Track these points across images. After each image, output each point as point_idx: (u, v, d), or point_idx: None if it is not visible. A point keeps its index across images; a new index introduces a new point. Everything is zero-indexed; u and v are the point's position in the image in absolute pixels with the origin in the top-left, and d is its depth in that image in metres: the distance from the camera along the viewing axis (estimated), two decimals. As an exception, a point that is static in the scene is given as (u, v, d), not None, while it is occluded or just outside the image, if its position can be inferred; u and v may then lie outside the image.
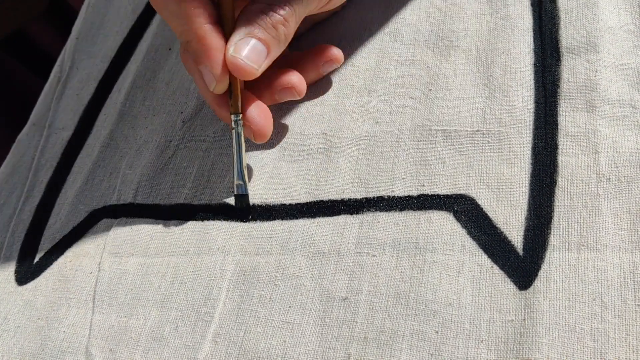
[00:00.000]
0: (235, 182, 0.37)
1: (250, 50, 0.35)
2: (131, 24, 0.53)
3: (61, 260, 0.41)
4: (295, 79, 0.39)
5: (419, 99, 0.39)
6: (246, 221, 0.37)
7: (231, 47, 0.35)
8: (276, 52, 0.37)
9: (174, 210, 0.40)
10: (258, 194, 0.38)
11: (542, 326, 0.29)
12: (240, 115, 0.37)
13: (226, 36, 0.36)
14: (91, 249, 0.41)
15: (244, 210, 0.38)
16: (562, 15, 0.38)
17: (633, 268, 0.29)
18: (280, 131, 0.41)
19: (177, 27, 0.36)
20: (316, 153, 0.39)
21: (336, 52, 0.40)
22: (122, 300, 0.37)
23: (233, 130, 0.37)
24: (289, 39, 0.37)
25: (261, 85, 0.39)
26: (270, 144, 0.40)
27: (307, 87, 0.40)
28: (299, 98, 0.40)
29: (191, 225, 0.39)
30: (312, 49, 0.41)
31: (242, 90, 0.38)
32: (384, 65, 0.41)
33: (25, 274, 0.41)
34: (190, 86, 0.46)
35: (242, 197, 0.38)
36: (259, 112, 0.38)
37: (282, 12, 0.35)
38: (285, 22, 0.36)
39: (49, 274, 0.41)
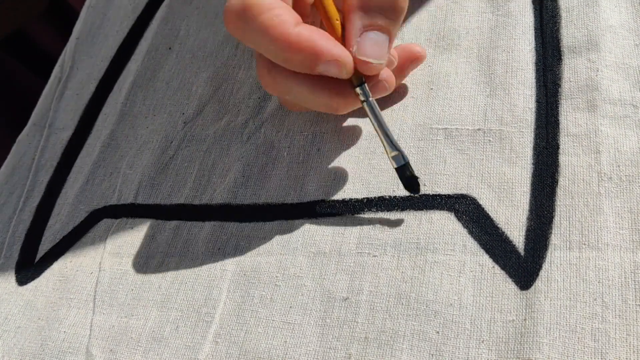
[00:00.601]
0: (390, 155, 0.33)
1: (373, 46, 0.32)
2: (131, 23, 0.53)
3: (61, 260, 0.41)
4: (385, 74, 0.35)
5: (420, 97, 0.39)
6: (416, 193, 0.34)
7: (354, 46, 0.31)
8: (395, 35, 0.33)
9: (174, 210, 0.40)
10: (258, 194, 0.38)
11: (543, 326, 0.29)
12: (365, 83, 0.33)
13: (328, 29, 0.33)
14: (92, 249, 0.41)
15: (412, 182, 0.34)
16: (563, 13, 0.38)
17: (634, 267, 0.29)
18: (280, 131, 0.41)
19: (268, 46, 0.31)
20: (317, 153, 0.39)
21: (420, 50, 0.37)
22: (122, 300, 0.37)
23: (364, 103, 0.33)
24: (404, 14, 0.33)
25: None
26: (271, 143, 0.40)
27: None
28: (389, 93, 0.36)
29: (192, 225, 0.39)
30: (395, 49, 0.37)
31: None
32: (384, 64, 0.41)
33: (26, 274, 0.41)
34: (191, 87, 0.46)
35: (404, 168, 0.33)
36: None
37: None
38: None
39: (50, 274, 0.41)
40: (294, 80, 0.33)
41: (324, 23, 0.34)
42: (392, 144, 0.33)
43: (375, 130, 0.34)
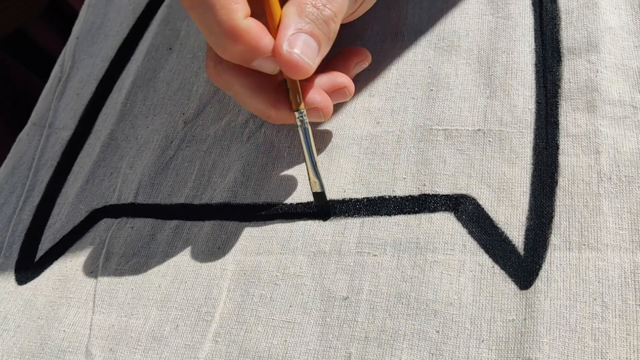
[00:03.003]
0: (312, 180, 0.35)
1: (304, 45, 0.33)
2: (131, 23, 0.53)
3: (61, 259, 0.41)
4: (344, 79, 0.37)
5: (420, 98, 0.39)
6: (326, 219, 0.36)
7: (284, 42, 0.32)
8: (325, 50, 0.34)
9: (174, 210, 0.40)
10: (259, 193, 0.38)
11: (543, 326, 0.29)
12: (304, 110, 0.35)
13: (270, 30, 0.34)
14: (91, 248, 0.41)
15: (323, 208, 0.36)
16: (563, 15, 0.38)
17: (634, 268, 0.29)
18: (280, 130, 0.41)
19: (213, 30, 0.32)
20: (317, 153, 0.39)
21: (365, 52, 0.39)
22: (122, 299, 0.37)
23: (299, 128, 0.35)
24: (334, 38, 0.35)
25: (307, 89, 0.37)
26: (271, 143, 0.40)
27: None
28: (349, 99, 0.38)
29: (192, 224, 0.39)
30: (340, 52, 0.39)
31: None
32: (385, 65, 0.41)
33: (26, 273, 0.41)
34: (192, 87, 0.46)
35: (321, 195, 0.36)
36: (318, 92, 0.36)
37: (332, 7, 0.33)
38: (334, 18, 0.34)
39: (49, 274, 0.41)
40: (237, 79, 0.35)
41: (268, 23, 0.35)
42: (315, 172, 0.35)
43: (304, 155, 0.35)
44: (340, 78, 0.37)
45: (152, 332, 0.35)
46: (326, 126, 0.40)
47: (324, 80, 0.37)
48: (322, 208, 0.36)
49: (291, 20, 0.33)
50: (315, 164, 0.35)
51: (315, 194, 0.36)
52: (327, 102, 0.36)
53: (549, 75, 0.36)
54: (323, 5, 0.33)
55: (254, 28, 0.32)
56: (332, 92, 0.37)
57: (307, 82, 0.36)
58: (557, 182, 0.33)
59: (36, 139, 0.49)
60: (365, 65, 0.40)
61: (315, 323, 0.33)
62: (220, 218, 0.38)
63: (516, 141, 0.35)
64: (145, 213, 0.41)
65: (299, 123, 0.35)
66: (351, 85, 0.38)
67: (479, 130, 0.36)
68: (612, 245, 0.30)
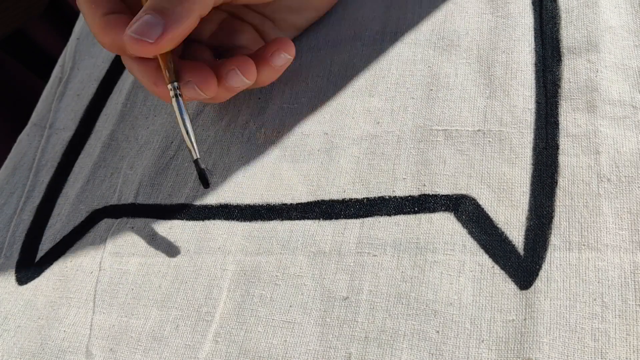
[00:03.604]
0: (189, 147, 0.36)
1: (141, 24, 0.33)
2: (132, 24, 0.53)
3: (62, 260, 0.41)
4: (199, 77, 0.37)
5: (420, 98, 0.39)
6: (207, 187, 0.37)
7: (128, 27, 0.34)
8: (179, 26, 0.33)
9: (174, 210, 0.40)
10: (259, 194, 0.38)
11: (543, 326, 0.29)
12: (177, 83, 0.36)
13: None
14: (92, 248, 0.41)
15: (203, 177, 0.37)
16: (563, 14, 0.38)
17: (634, 268, 0.29)
18: (280, 131, 0.41)
19: (88, 25, 0.36)
20: (317, 153, 0.39)
21: (285, 42, 0.39)
22: (122, 299, 0.37)
23: (173, 99, 0.36)
24: (197, 11, 0.34)
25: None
26: (271, 143, 0.40)
27: (264, 83, 0.40)
28: (249, 82, 0.38)
29: (192, 224, 0.39)
30: (266, 43, 0.39)
31: (174, 59, 0.37)
32: (385, 65, 0.41)
33: (26, 273, 0.41)
34: (191, 86, 0.46)
35: (196, 162, 0.37)
36: (194, 68, 0.37)
37: None
38: None
39: (50, 274, 0.41)
40: (128, 58, 0.38)
41: None
42: (189, 139, 0.37)
43: (180, 127, 0.37)
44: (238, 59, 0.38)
45: (153, 332, 0.35)
46: (326, 126, 0.40)
47: (214, 60, 0.39)
48: (202, 177, 0.37)
49: (146, 5, 0.34)
50: (188, 131, 0.36)
51: (194, 162, 0.37)
52: (203, 78, 0.37)
53: (549, 75, 0.36)
54: None
55: (112, 22, 0.35)
56: (228, 72, 0.37)
57: (189, 59, 0.38)
58: (557, 182, 0.33)
59: (37, 139, 0.49)
60: (287, 56, 0.39)
61: (315, 323, 0.33)
62: (221, 218, 0.38)
63: (516, 141, 0.35)
64: (145, 213, 0.41)
65: (171, 94, 0.36)
66: (247, 69, 0.37)
67: (478, 130, 0.36)
68: (612, 246, 0.30)
